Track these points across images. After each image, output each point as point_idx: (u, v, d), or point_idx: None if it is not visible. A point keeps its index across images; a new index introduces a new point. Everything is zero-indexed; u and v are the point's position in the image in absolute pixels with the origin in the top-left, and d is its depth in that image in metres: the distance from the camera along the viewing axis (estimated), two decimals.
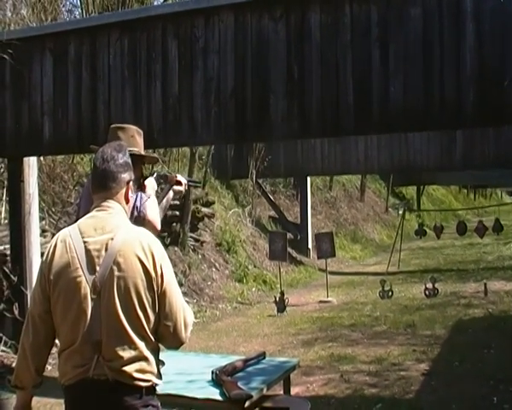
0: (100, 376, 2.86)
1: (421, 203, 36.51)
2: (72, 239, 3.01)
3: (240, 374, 4.43)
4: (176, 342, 3.11)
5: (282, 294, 13.23)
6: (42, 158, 11.85)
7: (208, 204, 17.26)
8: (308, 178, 21.79)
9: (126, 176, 3.17)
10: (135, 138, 4.47)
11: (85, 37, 8.06)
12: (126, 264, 2.91)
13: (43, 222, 11.17)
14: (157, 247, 3.03)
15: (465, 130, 15.56)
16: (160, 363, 3.05)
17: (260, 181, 20.66)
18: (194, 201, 16.14)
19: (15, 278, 9.08)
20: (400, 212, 24.59)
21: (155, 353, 3.01)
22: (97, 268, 2.91)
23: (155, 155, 5.06)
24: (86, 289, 2.90)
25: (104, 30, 7.96)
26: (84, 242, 2.97)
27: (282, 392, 4.82)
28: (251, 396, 3.94)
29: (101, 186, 3.12)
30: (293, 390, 7.06)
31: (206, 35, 7.31)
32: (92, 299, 2.89)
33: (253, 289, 16.00)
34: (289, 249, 17.86)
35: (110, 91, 7.93)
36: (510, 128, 15.21)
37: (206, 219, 16.90)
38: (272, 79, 7.00)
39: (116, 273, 2.89)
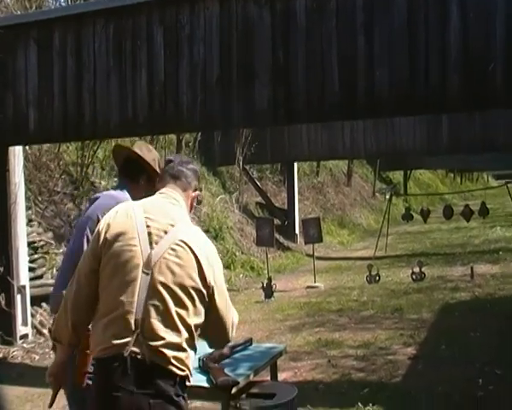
0: (137, 354, 2.80)
1: (407, 188, 36.56)
2: (134, 211, 3.03)
3: (227, 361, 4.45)
4: (223, 343, 3.26)
5: (270, 280, 13.25)
6: (27, 147, 11.79)
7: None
8: (295, 164, 21.78)
9: (196, 183, 3.32)
10: (155, 162, 4.42)
11: (70, 25, 8.02)
12: (184, 253, 2.91)
13: (30, 211, 11.13)
14: (213, 249, 3.09)
15: (451, 114, 15.58)
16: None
17: (247, 167, 20.63)
18: None
19: (1, 268, 9.05)
20: (387, 196, 24.62)
21: (193, 348, 2.98)
22: (154, 245, 2.91)
23: None
24: (139, 260, 2.89)
25: (89, 18, 7.92)
26: (146, 217, 2.99)
27: (269, 378, 4.84)
28: (237, 383, 3.96)
29: (172, 177, 3.24)
30: (281, 376, 7.10)
31: (192, 22, 7.30)
32: (143, 272, 2.87)
33: (241, 275, 16.02)
34: (276, 235, 17.88)
35: (95, 79, 7.90)
36: (496, 112, 15.26)
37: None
38: (258, 66, 7.00)
39: (172, 257, 2.90)
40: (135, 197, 3.90)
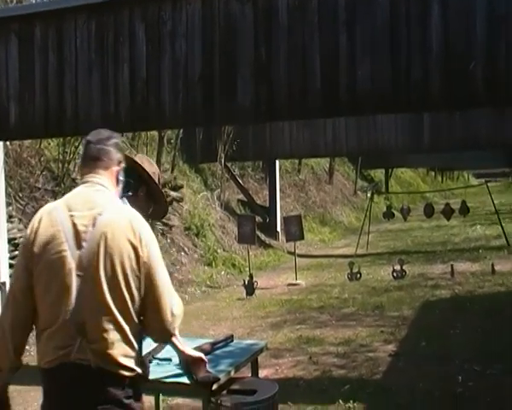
0: (82, 360, 2.74)
1: (389, 186, 36.71)
2: (58, 212, 2.92)
3: (207, 357, 4.44)
4: (162, 333, 3.02)
5: (251, 277, 13.28)
6: (8, 143, 11.71)
7: (177, 188, 17.21)
8: (277, 162, 21.80)
9: (119, 156, 3.17)
10: (155, 174, 4.39)
11: (52, 19, 7.96)
12: (114, 242, 2.81)
13: (10, 208, 11.07)
14: (146, 229, 2.95)
15: (432, 113, 15.65)
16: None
17: (229, 165, 20.63)
18: (163, 185, 16.06)
19: None
20: (369, 194, 24.72)
21: (138, 339, 2.90)
22: (83, 244, 2.82)
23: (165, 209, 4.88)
24: (71, 264, 2.80)
25: (71, 13, 7.86)
26: (71, 215, 2.88)
27: (250, 374, 4.84)
28: (218, 379, 3.95)
29: (92, 159, 3.10)
30: (262, 373, 7.11)
31: (174, 18, 7.27)
32: (77, 275, 2.78)
33: (222, 272, 16.02)
34: (258, 233, 17.91)
35: (77, 75, 7.85)
36: (477, 111, 15.34)
37: (174, 203, 16.85)
38: (240, 62, 6.99)
39: (102, 250, 2.79)
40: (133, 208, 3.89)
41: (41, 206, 3.33)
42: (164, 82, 7.35)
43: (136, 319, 2.86)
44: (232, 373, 4.24)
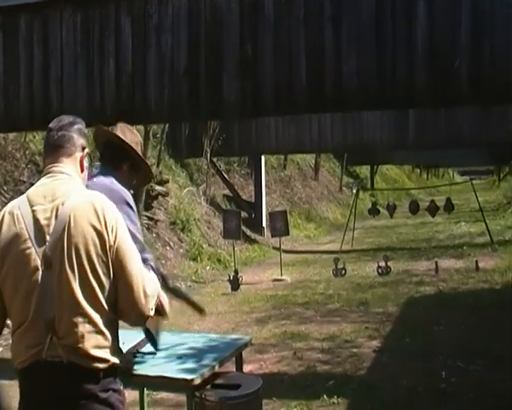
0: (54, 357, 2.70)
1: (374, 182, 36.79)
2: (20, 210, 2.85)
3: (191, 351, 4.44)
4: (136, 315, 2.90)
5: (236, 272, 13.28)
6: None
7: (162, 183, 17.20)
8: (262, 157, 21.78)
9: (83, 141, 3.07)
10: (138, 145, 4.36)
11: (37, 12, 7.92)
12: (77, 230, 2.74)
13: None
14: (111, 210, 2.87)
15: (417, 109, 15.71)
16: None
17: (215, 160, 20.61)
18: None
19: None
20: (354, 191, 24.74)
21: (112, 327, 2.84)
22: (47, 238, 2.76)
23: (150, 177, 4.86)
24: (36, 261, 2.75)
25: (56, 5, 7.82)
26: (33, 211, 2.81)
27: (234, 369, 4.84)
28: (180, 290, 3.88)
29: (55, 146, 3.00)
30: (247, 368, 7.11)
31: (160, 12, 7.25)
32: (43, 272, 2.73)
33: (208, 267, 16.01)
34: (243, 228, 17.88)
35: (63, 68, 7.81)
36: (462, 109, 15.41)
37: (160, 198, 16.84)
38: (225, 57, 6.97)
39: (66, 242, 2.72)
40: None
41: None
42: (149, 76, 7.33)
43: (107, 308, 2.79)
44: (216, 368, 4.24)
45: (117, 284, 2.82)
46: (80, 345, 2.71)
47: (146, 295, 2.88)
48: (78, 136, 3.06)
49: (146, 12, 7.27)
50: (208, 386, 4.06)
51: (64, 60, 7.75)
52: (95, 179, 4.00)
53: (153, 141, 17.96)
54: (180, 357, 4.32)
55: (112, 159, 4.14)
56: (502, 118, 16.09)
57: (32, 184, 9.89)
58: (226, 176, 21.98)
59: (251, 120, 17.51)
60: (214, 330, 9.46)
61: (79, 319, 2.71)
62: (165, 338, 4.45)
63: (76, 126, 3.07)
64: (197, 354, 4.36)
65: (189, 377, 3.95)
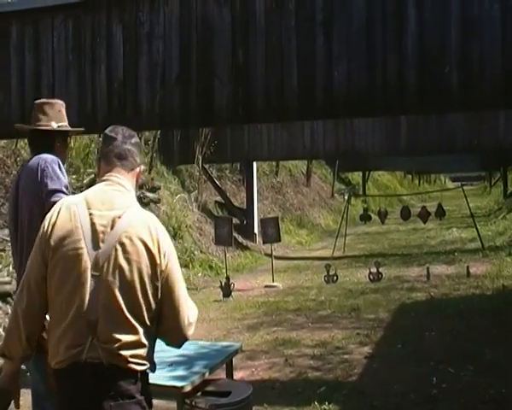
0: (94, 359, 2.71)
1: (366, 189, 36.86)
2: (77, 208, 2.88)
3: (182, 359, 4.45)
4: (179, 340, 3.02)
5: (228, 279, 13.27)
6: None
7: (154, 189, 17.20)
8: (254, 164, 21.80)
9: (141, 158, 3.15)
10: (62, 113, 4.41)
11: (28, 19, 7.92)
12: (132, 246, 2.79)
13: None
14: (165, 235, 2.94)
15: (409, 116, 15.77)
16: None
17: (207, 166, 20.61)
18: (140, 186, 16.05)
19: None
20: (346, 197, 24.82)
21: (151, 339, 2.88)
22: (101, 244, 2.79)
23: (81, 128, 5.02)
24: (87, 263, 2.77)
25: (48, 13, 7.83)
26: (90, 214, 2.85)
27: (224, 376, 4.85)
28: None
29: (118, 158, 3.05)
30: (238, 375, 7.13)
31: (151, 19, 7.26)
32: (92, 275, 2.76)
33: (199, 274, 16.00)
34: (235, 234, 17.90)
35: (54, 75, 7.82)
36: (453, 114, 15.47)
37: (151, 205, 16.82)
38: (217, 64, 6.99)
39: (120, 254, 2.77)
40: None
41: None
42: (141, 83, 7.34)
43: (149, 324, 2.83)
44: (207, 375, 4.26)
45: (164, 306, 2.88)
46: (121, 352, 2.75)
47: (189, 323, 2.97)
48: (139, 152, 3.16)
49: (137, 19, 7.28)
50: (198, 393, 4.07)
51: (55, 67, 7.76)
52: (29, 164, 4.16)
53: (145, 148, 17.96)
54: (170, 364, 4.33)
55: (42, 145, 4.21)
56: (492, 124, 16.18)
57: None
58: (218, 182, 21.98)
59: (243, 126, 17.53)
60: (206, 337, 9.44)
61: (122, 329, 2.75)
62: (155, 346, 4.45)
63: (136, 140, 3.16)
64: (187, 362, 4.37)
65: (179, 384, 3.96)
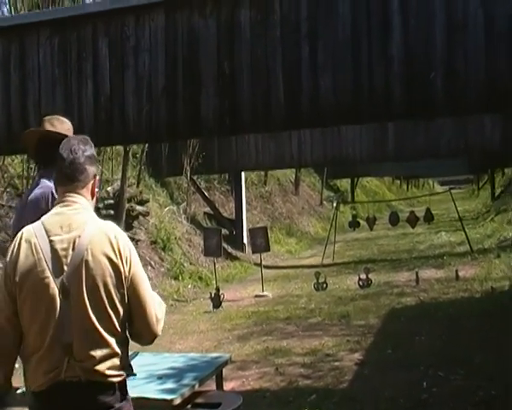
0: (72, 378, 2.80)
1: (355, 195, 36.95)
2: (37, 238, 2.92)
3: (171, 371, 4.46)
4: (150, 338, 3.10)
5: (218, 290, 13.29)
6: None
7: (143, 202, 17.20)
8: (243, 174, 21.81)
9: (94, 169, 3.13)
10: (70, 132, 4.43)
11: (14, 35, 7.94)
12: (95, 262, 2.85)
13: None
14: (124, 240, 2.99)
15: (396, 122, 15.84)
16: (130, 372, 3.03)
17: (195, 178, 20.63)
18: (129, 199, 16.08)
19: None
20: (334, 204, 24.85)
21: (125, 346, 2.97)
22: (65, 268, 2.84)
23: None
24: (54, 290, 2.83)
25: (33, 28, 7.84)
26: (51, 241, 2.89)
27: (214, 387, 4.87)
28: None
29: (69, 179, 3.04)
30: (229, 385, 7.14)
31: (137, 33, 7.29)
32: (61, 300, 2.82)
33: (189, 286, 15.99)
34: (224, 245, 17.91)
35: (40, 91, 7.83)
36: (440, 120, 15.56)
37: (140, 218, 16.84)
38: (203, 76, 7.02)
39: (84, 273, 2.83)
40: None
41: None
42: (128, 97, 7.37)
43: (120, 331, 2.92)
44: (196, 387, 4.28)
45: (131, 308, 2.96)
46: (97, 367, 2.83)
47: (157, 319, 3.08)
48: (90, 166, 3.11)
49: (123, 34, 7.31)
50: (188, 406, 4.09)
51: (42, 82, 7.77)
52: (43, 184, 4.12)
53: (132, 161, 17.97)
54: (160, 377, 4.35)
55: (51, 158, 4.14)
56: (478, 128, 16.29)
57: (10, 207, 9.83)
58: (206, 194, 21.99)
59: (230, 137, 17.56)
60: (196, 349, 9.47)
61: (97, 345, 2.84)
62: (145, 359, 4.47)
63: (87, 154, 3.09)
64: (177, 374, 4.39)
65: (168, 397, 3.98)
